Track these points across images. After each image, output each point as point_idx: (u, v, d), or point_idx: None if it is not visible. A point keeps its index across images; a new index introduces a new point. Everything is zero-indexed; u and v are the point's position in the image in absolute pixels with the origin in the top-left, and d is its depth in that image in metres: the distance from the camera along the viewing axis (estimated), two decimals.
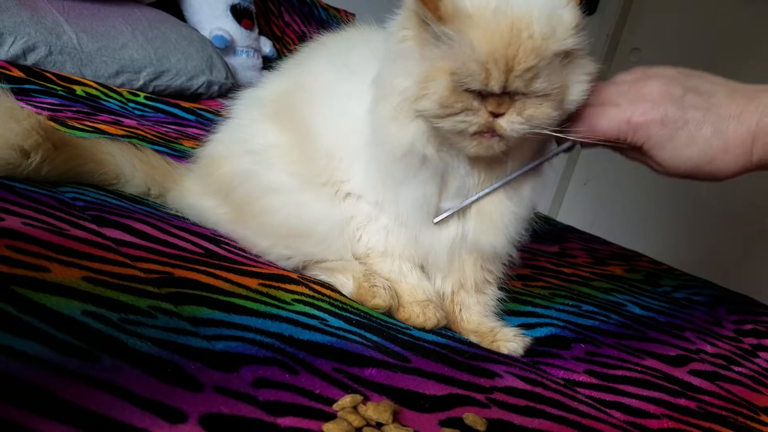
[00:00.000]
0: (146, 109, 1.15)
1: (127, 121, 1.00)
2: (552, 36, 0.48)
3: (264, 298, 0.50)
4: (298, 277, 0.58)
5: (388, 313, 0.58)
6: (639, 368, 0.63)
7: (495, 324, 0.60)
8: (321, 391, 0.39)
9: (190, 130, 1.09)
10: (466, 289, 0.61)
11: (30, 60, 1.10)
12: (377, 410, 0.38)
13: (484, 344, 0.58)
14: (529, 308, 0.73)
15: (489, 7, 0.48)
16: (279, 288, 0.54)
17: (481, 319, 0.61)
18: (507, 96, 0.49)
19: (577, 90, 0.52)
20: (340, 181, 0.60)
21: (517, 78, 0.47)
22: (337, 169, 0.59)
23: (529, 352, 0.58)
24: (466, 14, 0.48)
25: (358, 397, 0.39)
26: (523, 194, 0.58)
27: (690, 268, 1.31)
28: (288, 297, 0.52)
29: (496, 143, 0.51)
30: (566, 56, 0.50)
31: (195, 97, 1.34)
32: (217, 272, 0.52)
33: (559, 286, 0.86)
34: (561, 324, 0.70)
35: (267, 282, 0.54)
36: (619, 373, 0.60)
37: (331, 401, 0.38)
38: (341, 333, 0.49)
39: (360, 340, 0.48)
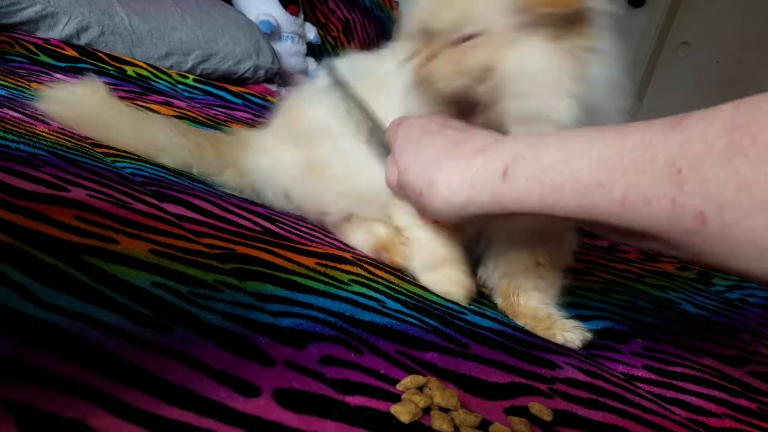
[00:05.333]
0: (195, 92, 1.16)
1: (177, 102, 1.01)
2: None
3: (323, 278, 0.50)
4: (353, 258, 0.58)
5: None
6: (698, 366, 0.61)
7: (553, 312, 0.59)
8: (386, 371, 0.39)
9: (238, 113, 1.10)
10: (519, 271, 0.60)
11: (83, 40, 1.12)
12: (444, 396, 0.37)
13: (539, 330, 0.56)
14: (584, 301, 0.71)
15: None
16: (335, 268, 0.53)
17: (538, 305, 0.59)
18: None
19: (517, 59, 0.47)
20: None
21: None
22: None
23: (585, 344, 0.57)
24: None
25: (419, 377, 0.38)
26: None
27: None
28: (345, 277, 0.52)
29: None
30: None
31: (241, 81, 1.35)
32: (276, 250, 0.52)
33: (611, 281, 0.84)
34: (616, 318, 0.68)
35: (323, 261, 0.54)
36: (678, 370, 0.58)
37: (397, 382, 0.38)
38: (399, 315, 0.48)
39: (418, 323, 0.48)
